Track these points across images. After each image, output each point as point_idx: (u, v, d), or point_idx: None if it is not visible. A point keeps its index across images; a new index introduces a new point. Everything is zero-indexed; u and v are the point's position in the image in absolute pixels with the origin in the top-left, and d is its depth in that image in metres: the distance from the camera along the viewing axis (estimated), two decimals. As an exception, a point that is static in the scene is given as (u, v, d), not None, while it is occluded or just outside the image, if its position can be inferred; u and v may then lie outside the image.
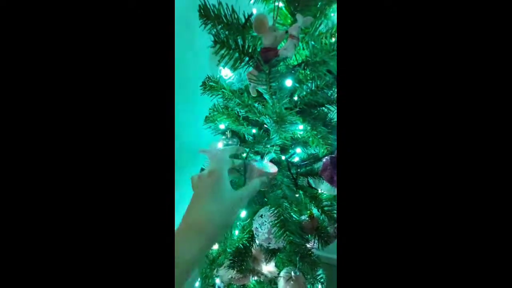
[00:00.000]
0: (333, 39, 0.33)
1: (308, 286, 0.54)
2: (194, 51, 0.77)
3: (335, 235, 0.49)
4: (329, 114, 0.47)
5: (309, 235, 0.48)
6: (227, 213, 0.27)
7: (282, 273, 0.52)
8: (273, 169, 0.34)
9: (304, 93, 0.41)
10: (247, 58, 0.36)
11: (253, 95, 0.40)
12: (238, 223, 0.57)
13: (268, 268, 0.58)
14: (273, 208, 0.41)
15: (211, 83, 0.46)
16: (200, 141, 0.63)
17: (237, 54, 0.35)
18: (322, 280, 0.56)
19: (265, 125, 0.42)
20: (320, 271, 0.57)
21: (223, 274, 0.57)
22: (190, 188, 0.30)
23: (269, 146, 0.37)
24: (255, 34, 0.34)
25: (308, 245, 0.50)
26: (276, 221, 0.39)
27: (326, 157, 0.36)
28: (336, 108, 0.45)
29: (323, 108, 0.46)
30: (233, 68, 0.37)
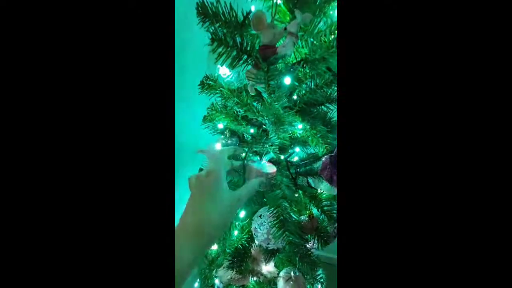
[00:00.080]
0: (332, 36, 0.33)
1: (308, 286, 0.54)
2: (192, 50, 0.77)
3: (335, 234, 0.48)
4: (328, 113, 0.46)
5: (309, 235, 0.48)
6: (225, 213, 0.27)
7: (281, 273, 0.52)
8: (271, 169, 0.34)
9: (303, 91, 0.41)
10: (245, 56, 0.36)
11: (252, 94, 0.39)
12: (237, 223, 0.57)
13: (267, 268, 0.58)
14: (272, 208, 0.41)
15: (209, 82, 0.46)
16: (199, 140, 0.63)
17: (235, 52, 0.34)
18: (321, 280, 0.56)
19: (264, 125, 0.42)
20: (319, 271, 0.56)
21: (223, 275, 0.56)
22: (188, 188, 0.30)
23: (267, 146, 0.37)
24: (253, 31, 0.34)
25: (307, 245, 0.50)
26: (275, 222, 0.39)
27: (326, 156, 0.36)
28: (335, 107, 0.45)
29: (323, 107, 0.46)
30: (231, 66, 0.36)
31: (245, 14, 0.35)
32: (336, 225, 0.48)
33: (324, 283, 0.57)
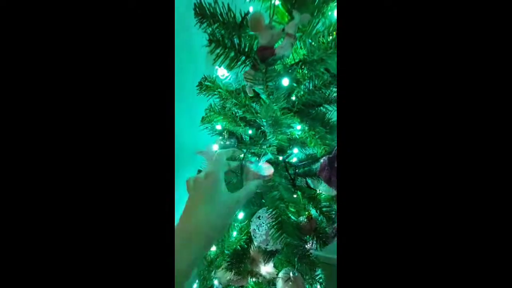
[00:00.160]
0: (331, 37, 0.33)
1: (307, 286, 0.54)
2: (190, 51, 0.77)
3: (333, 235, 0.48)
4: (327, 114, 0.46)
5: (308, 236, 0.48)
6: (224, 215, 0.27)
7: (280, 274, 0.52)
8: (268, 171, 0.34)
9: (302, 92, 0.41)
10: (243, 57, 0.36)
11: (250, 95, 0.39)
12: (236, 224, 0.57)
13: (266, 269, 0.58)
14: (270, 210, 0.41)
15: (207, 83, 0.46)
16: (198, 141, 0.63)
17: (232, 53, 0.34)
18: (320, 280, 0.56)
19: (262, 126, 0.42)
20: (318, 271, 0.56)
21: (221, 276, 0.56)
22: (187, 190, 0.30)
23: (265, 147, 0.37)
24: (251, 32, 0.34)
25: (307, 246, 0.50)
26: (273, 223, 0.39)
27: (324, 158, 0.36)
28: (334, 107, 0.45)
29: (321, 108, 0.46)
30: (229, 67, 0.36)
31: (243, 15, 0.35)
32: (334, 225, 0.48)
33: (323, 283, 0.57)
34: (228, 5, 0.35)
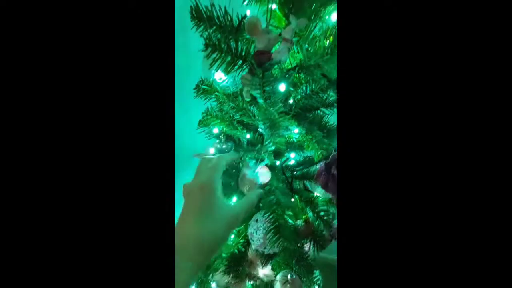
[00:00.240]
0: (327, 42, 0.32)
1: (305, 288, 0.54)
2: (187, 53, 0.76)
3: (331, 238, 0.48)
4: (324, 118, 0.46)
5: (305, 239, 0.48)
6: (221, 232, 0.24)
7: (278, 277, 0.52)
8: (266, 177, 0.34)
9: (299, 96, 0.40)
10: (240, 61, 0.35)
11: (247, 99, 0.39)
12: (233, 227, 0.56)
13: (264, 271, 0.58)
14: (268, 213, 0.41)
15: (204, 87, 0.45)
16: (197, 143, 0.63)
17: (229, 58, 0.34)
18: (318, 282, 0.56)
19: (260, 129, 0.42)
20: (316, 273, 0.57)
21: (219, 279, 0.56)
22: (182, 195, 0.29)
23: (263, 152, 0.37)
24: (249, 36, 0.33)
25: (305, 248, 0.50)
26: (270, 227, 0.39)
27: (321, 163, 0.36)
28: (330, 111, 0.45)
29: (318, 111, 0.46)
30: (226, 71, 0.36)
31: (240, 18, 0.35)
32: (331, 228, 0.48)
33: (321, 285, 0.57)
34: (225, 8, 0.35)
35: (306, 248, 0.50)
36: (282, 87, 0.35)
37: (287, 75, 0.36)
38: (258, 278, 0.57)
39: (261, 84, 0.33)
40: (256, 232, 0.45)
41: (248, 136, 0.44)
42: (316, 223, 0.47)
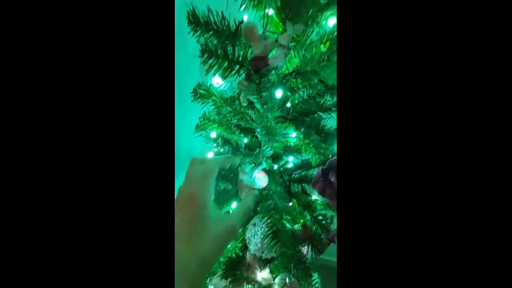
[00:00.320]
0: (324, 48, 0.32)
1: (303, 291, 0.54)
2: (186, 56, 0.76)
3: (329, 242, 0.48)
4: (322, 122, 0.46)
5: (303, 243, 0.48)
6: (214, 249, 0.22)
7: (276, 280, 0.52)
8: (263, 182, 0.34)
9: (296, 101, 0.40)
10: (237, 67, 0.35)
11: (244, 104, 0.39)
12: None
13: (262, 275, 0.58)
14: (265, 218, 0.41)
15: (201, 91, 0.45)
16: (195, 146, 0.62)
17: (226, 63, 0.34)
18: (317, 285, 0.56)
19: (257, 133, 0.42)
20: (315, 276, 0.57)
21: (217, 283, 0.56)
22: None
23: (260, 157, 0.37)
24: (245, 41, 0.33)
25: (303, 251, 0.50)
26: (268, 232, 0.39)
27: (318, 170, 0.36)
28: (328, 115, 0.45)
29: (316, 115, 0.46)
30: (223, 77, 0.36)
31: (237, 24, 0.35)
32: (329, 232, 0.48)
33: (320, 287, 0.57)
34: (222, 13, 0.35)
35: (304, 252, 0.50)
36: (279, 93, 0.35)
37: (284, 80, 0.36)
38: (256, 281, 0.57)
39: (258, 89, 0.33)
40: (254, 237, 0.45)
41: (245, 140, 0.44)
42: (314, 228, 0.47)
